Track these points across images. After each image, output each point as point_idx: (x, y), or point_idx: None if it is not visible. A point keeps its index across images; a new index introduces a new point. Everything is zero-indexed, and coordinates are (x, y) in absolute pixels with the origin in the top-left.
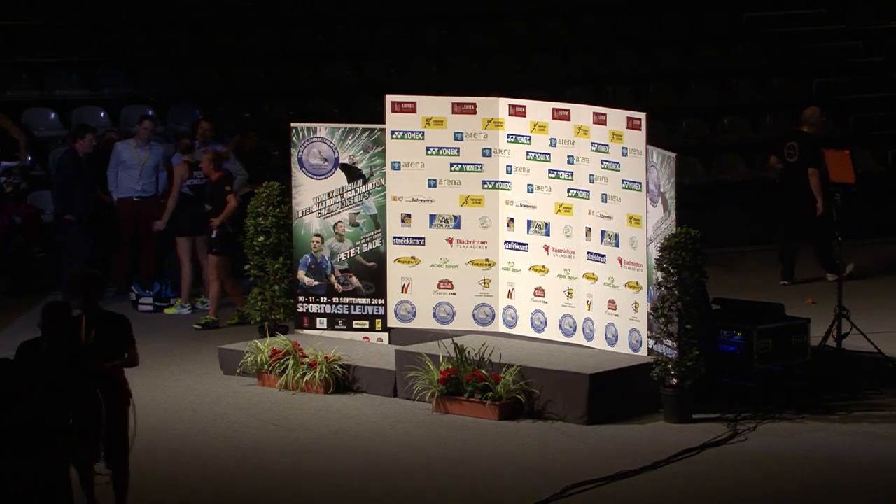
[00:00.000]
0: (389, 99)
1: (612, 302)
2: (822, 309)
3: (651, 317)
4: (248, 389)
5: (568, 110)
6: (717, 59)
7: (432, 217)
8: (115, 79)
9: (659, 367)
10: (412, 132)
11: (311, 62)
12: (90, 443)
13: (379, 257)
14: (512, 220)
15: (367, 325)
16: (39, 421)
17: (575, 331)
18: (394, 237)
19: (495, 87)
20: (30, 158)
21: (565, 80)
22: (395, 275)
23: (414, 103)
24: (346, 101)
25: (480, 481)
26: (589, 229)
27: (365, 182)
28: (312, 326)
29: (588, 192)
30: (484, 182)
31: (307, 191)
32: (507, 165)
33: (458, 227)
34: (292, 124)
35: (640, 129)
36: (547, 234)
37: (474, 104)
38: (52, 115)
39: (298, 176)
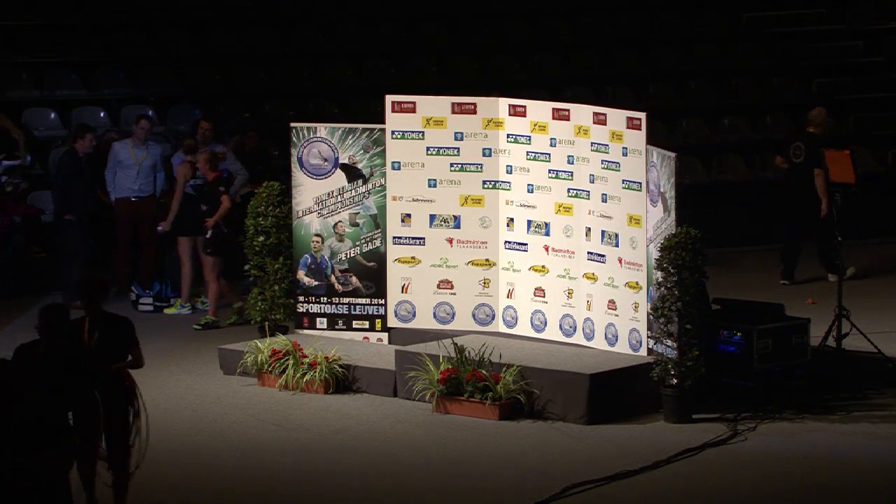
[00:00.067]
0: (389, 99)
1: (612, 302)
2: (822, 309)
3: (651, 317)
4: (248, 389)
5: (568, 110)
6: (717, 59)
7: (432, 217)
8: (115, 79)
9: (659, 367)
10: (412, 132)
11: (311, 62)
12: (89, 444)
13: (379, 257)
14: (512, 220)
15: (367, 325)
16: (39, 421)
17: (575, 331)
18: (394, 237)
19: (495, 87)
20: (29, 158)
21: (565, 80)
22: (395, 275)
23: (414, 103)
24: (346, 101)
25: (480, 481)
26: (589, 229)
27: (365, 182)
28: (312, 326)
29: (588, 192)
30: (484, 182)
31: (307, 191)
32: (507, 165)
33: (458, 227)
34: (292, 124)
35: (640, 129)
36: (547, 234)
37: (474, 104)
38: (52, 115)
39: (298, 176)
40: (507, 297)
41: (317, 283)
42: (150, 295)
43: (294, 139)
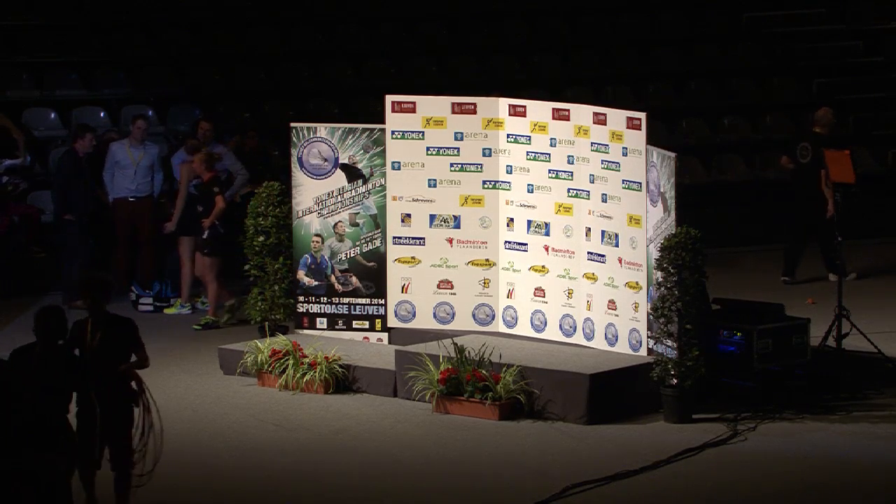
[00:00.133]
0: (389, 99)
1: (612, 302)
2: (822, 309)
3: (651, 317)
4: (248, 389)
5: (568, 110)
6: (717, 59)
7: (432, 217)
8: (115, 79)
9: (659, 367)
10: (412, 132)
11: (311, 62)
12: (87, 445)
13: (379, 257)
14: (512, 220)
15: (367, 325)
16: (39, 423)
17: (575, 331)
18: (394, 237)
19: (495, 87)
20: (29, 158)
21: (565, 80)
22: (395, 275)
23: (414, 103)
24: (346, 101)
25: (480, 481)
26: (589, 229)
27: (365, 182)
28: (312, 326)
29: (588, 192)
30: (484, 182)
31: (307, 191)
32: (507, 165)
33: (458, 227)
34: (292, 124)
35: (640, 129)
36: (547, 234)
37: (474, 104)
38: (52, 115)
39: (298, 176)
40: (507, 297)
41: (317, 283)
42: (150, 295)
43: (294, 139)
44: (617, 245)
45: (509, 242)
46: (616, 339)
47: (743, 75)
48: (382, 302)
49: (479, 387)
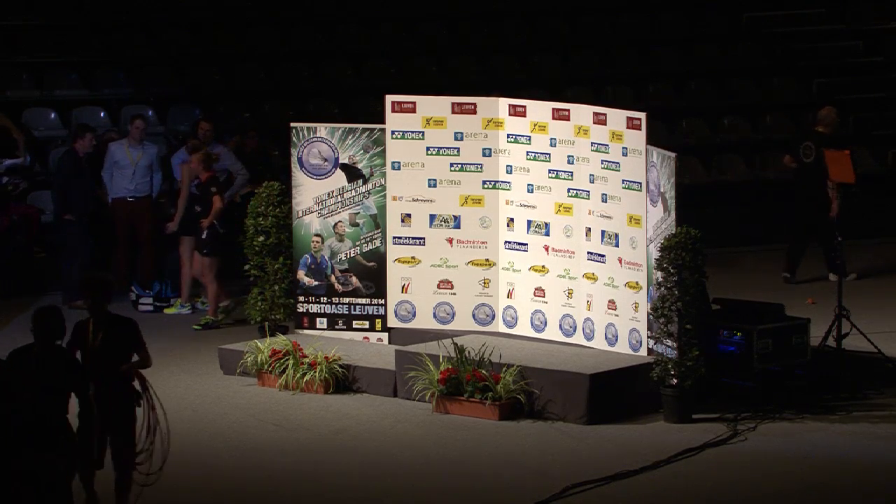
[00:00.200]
0: (389, 99)
1: (612, 302)
2: (822, 309)
3: (651, 317)
4: (248, 389)
5: (568, 110)
6: (717, 59)
7: (432, 217)
8: (115, 79)
9: (659, 367)
10: (412, 132)
11: (311, 62)
12: (86, 444)
13: (379, 257)
14: (512, 220)
15: (367, 325)
16: (39, 422)
17: (575, 331)
18: (394, 237)
19: (495, 87)
20: (29, 158)
21: (565, 80)
22: (395, 275)
23: (414, 103)
24: (346, 101)
25: (480, 481)
26: (589, 229)
27: (365, 182)
28: (312, 326)
29: (588, 192)
30: (484, 182)
31: (307, 191)
32: (507, 165)
33: (458, 227)
34: (292, 124)
35: (640, 129)
36: (547, 234)
37: (474, 104)
38: (52, 115)
39: (298, 176)
40: (507, 297)
41: (317, 283)
42: (150, 295)
43: (294, 139)
44: (617, 245)
45: (509, 242)
46: (616, 339)
47: (743, 75)
48: (382, 302)
49: (479, 387)
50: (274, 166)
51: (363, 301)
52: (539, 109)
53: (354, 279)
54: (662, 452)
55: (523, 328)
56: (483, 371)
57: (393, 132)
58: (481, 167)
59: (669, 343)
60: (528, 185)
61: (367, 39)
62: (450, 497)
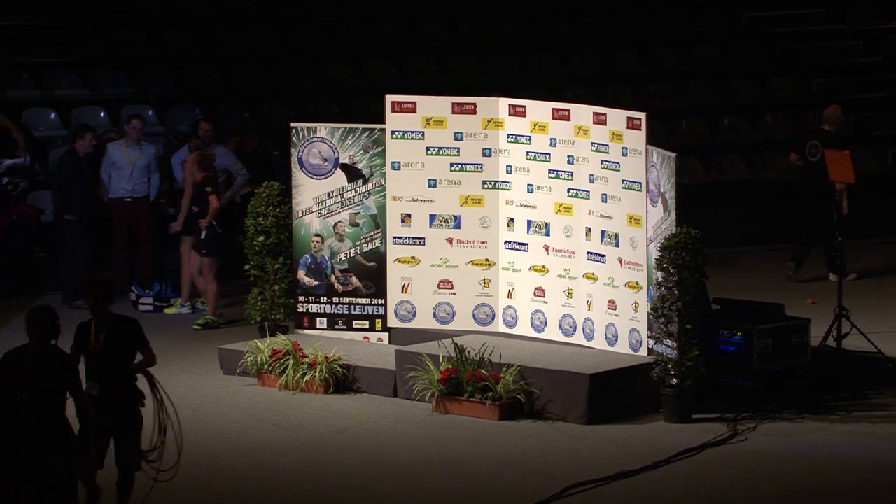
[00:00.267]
0: (389, 99)
1: (612, 302)
2: (822, 309)
3: (651, 317)
4: (248, 389)
5: (568, 110)
6: (717, 59)
7: (432, 217)
8: (115, 79)
9: (659, 367)
10: (412, 132)
11: (311, 62)
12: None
13: (379, 257)
14: (512, 220)
15: (367, 325)
16: (39, 422)
17: (575, 331)
18: (394, 237)
19: (495, 87)
20: (29, 158)
21: (565, 80)
22: (395, 275)
23: (414, 103)
24: (346, 101)
25: (480, 481)
26: (589, 229)
27: (365, 182)
28: (312, 326)
29: (588, 192)
30: (484, 182)
31: (307, 191)
32: (507, 165)
33: (458, 227)
34: (292, 124)
35: (640, 129)
36: (547, 234)
37: (474, 104)
38: (52, 115)
39: (298, 176)
40: (507, 297)
41: (317, 283)
42: (150, 295)
43: (294, 139)
44: (617, 245)
45: (509, 242)
46: (616, 339)
47: (743, 75)
48: (382, 302)
49: (479, 387)
50: (274, 166)
51: (363, 301)
52: (539, 109)
53: (354, 279)
54: (662, 452)
55: (523, 328)
56: (483, 371)
57: (393, 132)
58: (481, 167)
59: (669, 343)
60: (528, 185)
61: (367, 39)
62: (450, 497)
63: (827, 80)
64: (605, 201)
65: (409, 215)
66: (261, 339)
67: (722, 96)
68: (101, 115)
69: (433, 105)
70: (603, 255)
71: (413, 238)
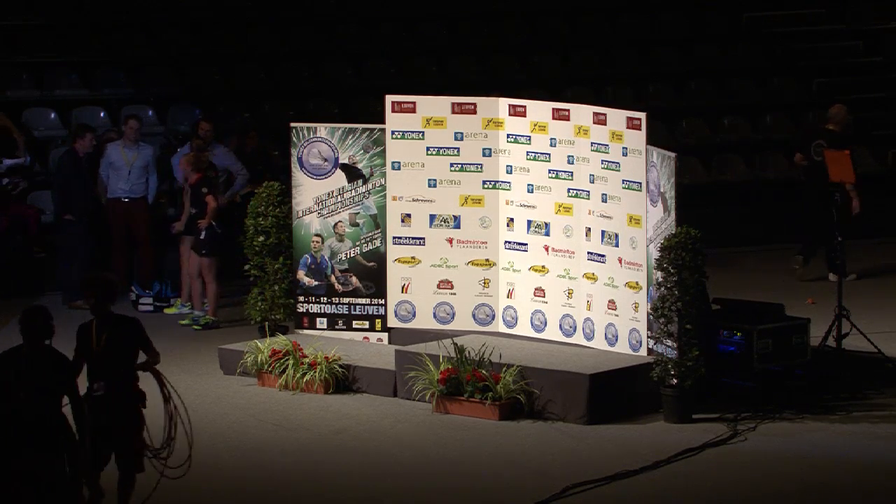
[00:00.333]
0: (389, 99)
1: (612, 302)
2: (822, 309)
3: (651, 317)
4: (248, 389)
5: (568, 110)
6: (717, 59)
7: (432, 217)
8: (115, 79)
9: (659, 367)
10: (412, 132)
11: (311, 62)
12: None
13: (379, 257)
14: (512, 220)
15: (367, 325)
16: (38, 422)
17: (575, 331)
18: (394, 237)
19: (495, 87)
20: (29, 158)
21: (565, 80)
22: (395, 275)
23: (414, 103)
24: (346, 101)
25: (480, 481)
26: (589, 229)
27: (365, 182)
28: (312, 326)
29: (588, 192)
30: (484, 182)
31: (307, 191)
32: (507, 165)
33: (458, 227)
34: (292, 124)
35: (640, 129)
36: (547, 234)
37: (474, 104)
38: (52, 115)
39: (298, 176)
40: (507, 297)
41: (317, 283)
42: (150, 295)
43: (294, 139)
44: (617, 245)
45: (509, 242)
46: (616, 339)
47: (743, 75)
48: (382, 302)
49: (479, 387)
50: (274, 166)
51: (363, 301)
52: (539, 109)
53: (354, 279)
54: (662, 452)
55: (523, 328)
56: (483, 371)
57: (393, 132)
58: (481, 167)
59: (669, 343)
60: (528, 185)
61: (367, 39)
62: (450, 497)
63: (827, 80)
64: (605, 201)
65: (409, 215)
66: (261, 339)
67: (722, 96)
68: (101, 115)
69: (433, 105)
70: (603, 255)
71: (413, 238)
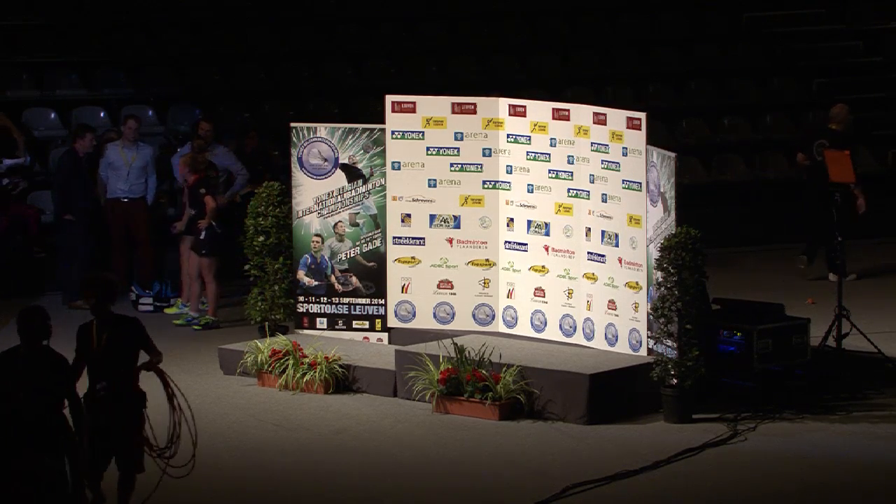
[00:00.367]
0: (389, 99)
1: (612, 302)
2: (822, 309)
3: (651, 317)
4: (248, 389)
5: (568, 110)
6: (717, 59)
7: (432, 217)
8: (115, 79)
9: (659, 367)
10: (412, 132)
11: (311, 62)
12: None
13: (379, 257)
14: (512, 220)
15: (367, 325)
16: (38, 422)
17: (575, 331)
18: (394, 237)
19: (495, 87)
20: (29, 158)
21: (565, 80)
22: (395, 275)
23: (414, 103)
24: (346, 101)
25: (480, 481)
26: (589, 229)
27: (365, 182)
28: (312, 326)
29: (588, 192)
30: (484, 182)
31: (307, 191)
32: (507, 165)
33: (458, 227)
34: (292, 124)
35: (640, 129)
36: (547, 234)
37: (474, 104)
38: (52, 115)
39: (298, 176)
40: (507, 297)
41: (317, 283)
42: (150, 295)
43: (294, 139)
44: (617, 245)
45: (509, 242)
46: (616, 339)
47: (743, 75)
48: (382, 302)
49: (479, 387)
50: (274, 166)
51: (363, 301)
52: (539, 109)
53: (354, 279)
54: (662, 452)
55: (523, 328)
56: (483, 371)
57: (393, 132)
58: (481, 167)
59: (669, 343)
60: (528, 185)
61: (367, 39)
62: (450, 497)
63: (827, 80)
64: (605, 201)
65: (409, 215)
66: (261, 339)
67: (722, 96)
68: (101, 115)
69: (433, 105)
70: (603, 255)
71: (413, 238)
